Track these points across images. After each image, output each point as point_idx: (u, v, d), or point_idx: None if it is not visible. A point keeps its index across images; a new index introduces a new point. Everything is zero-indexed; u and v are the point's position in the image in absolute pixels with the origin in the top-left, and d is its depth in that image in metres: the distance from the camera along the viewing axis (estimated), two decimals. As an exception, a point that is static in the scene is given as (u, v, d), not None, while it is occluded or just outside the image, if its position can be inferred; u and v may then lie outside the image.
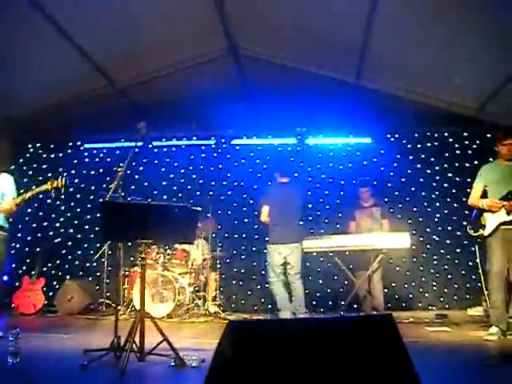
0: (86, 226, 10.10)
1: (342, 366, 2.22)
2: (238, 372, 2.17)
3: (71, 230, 10.18)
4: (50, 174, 10.03)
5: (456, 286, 9.06)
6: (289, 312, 7.01)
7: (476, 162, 8.49)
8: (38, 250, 9.68)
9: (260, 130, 10.17)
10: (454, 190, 9.26)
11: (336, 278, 9.02)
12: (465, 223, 6.95)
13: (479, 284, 7.67)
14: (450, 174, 9.41)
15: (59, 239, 10.18)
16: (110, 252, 7.59)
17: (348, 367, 2.21)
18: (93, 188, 10.12)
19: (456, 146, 9.53)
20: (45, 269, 9.70)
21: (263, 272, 9.22)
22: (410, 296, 9.17)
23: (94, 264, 9.15)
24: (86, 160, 10.53)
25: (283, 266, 7.15)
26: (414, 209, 9.41)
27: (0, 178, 6.18)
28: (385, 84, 8.09)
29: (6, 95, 8.08)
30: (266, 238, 7.44)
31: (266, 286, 7.79)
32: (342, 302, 7.47)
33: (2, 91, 7.95)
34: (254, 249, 8.70)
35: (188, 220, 4.70)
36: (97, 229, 9.61)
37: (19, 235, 9.99)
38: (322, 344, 2.27)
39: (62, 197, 6.01)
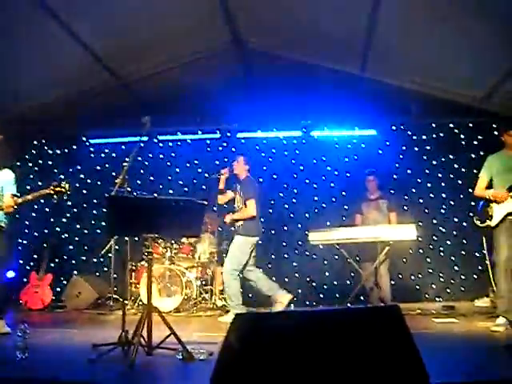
0: (93, 222, 10.12)
1: (349, 357, 2.22)
2: (244, 365, 2.18)
3: (78, 226, 10.22)
4: (55, 170, 10.11)
5: (463, 277, 9.04)
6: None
7: (482, 153, 8.37)
8: (44, 245, 9.67)
9: (265, 122, 10.14)
10: (460, 181, 9.23)
11: (342, 270, 8.99)
12: (471, 214, 6.92)
13: (486, 275, 7.65)
14: (455, 165, 9.38)
15: (66, 235, 10.23)
16: (117, 247, 7.61)
17: (355, 359, 2.22)
18: (98, 183, 10.16)
19: (462, 136, 9.50)
20: (52, 264, 9.72)
21: (270, 265, 9.24)
22: (417, 287, 9.17)
23: (101, 259, 9.15)
24: (92, 155, 10.55)
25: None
26: (420, 200, 9.39)
27: (1, 173, 6.17)
28: (389, 75, 8.04)
29: (9, 91, 8.07)
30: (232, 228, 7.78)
31: (273, 279, 7.79)
32: (349, 294, 7.45)
33: (6, 88, 7.94)
34: (260, 242, 8.64)
35: (194, 213, 4.70)
36: (103, 224, 9.63)
37: (26, 231, 10.04)
38: (328, 336, 2.27)
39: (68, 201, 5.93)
